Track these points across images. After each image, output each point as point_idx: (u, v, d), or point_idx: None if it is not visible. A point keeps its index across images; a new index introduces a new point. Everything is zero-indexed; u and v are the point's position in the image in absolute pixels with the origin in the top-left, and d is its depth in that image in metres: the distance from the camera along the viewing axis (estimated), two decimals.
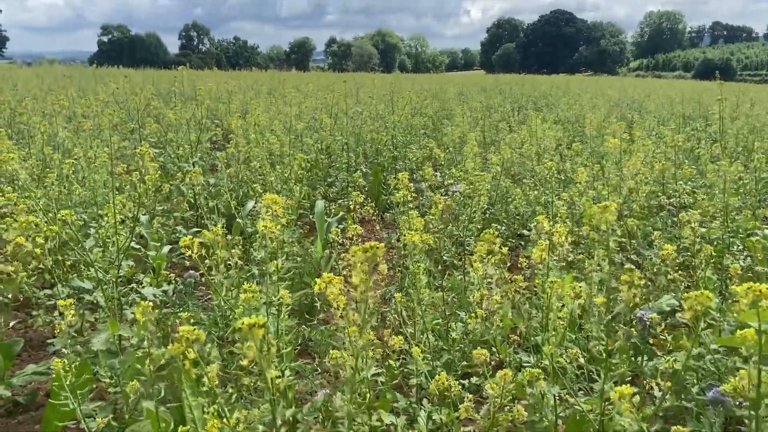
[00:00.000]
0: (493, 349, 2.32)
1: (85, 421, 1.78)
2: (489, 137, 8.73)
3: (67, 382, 1.73)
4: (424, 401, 2.32)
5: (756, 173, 4.54)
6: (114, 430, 2.40)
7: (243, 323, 1.07)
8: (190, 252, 1.68)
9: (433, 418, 2.21)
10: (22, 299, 4.07)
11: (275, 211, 1.74)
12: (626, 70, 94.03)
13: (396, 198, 2.36)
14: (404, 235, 2.24)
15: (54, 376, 2.64)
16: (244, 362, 1.08)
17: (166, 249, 3.85)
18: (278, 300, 1.74)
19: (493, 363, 2.57)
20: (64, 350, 1.96)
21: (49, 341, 3.35)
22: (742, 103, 11.27)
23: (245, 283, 1.99)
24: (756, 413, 1.33)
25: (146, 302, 1.65)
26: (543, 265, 2.02)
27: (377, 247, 1.26)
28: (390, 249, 4.47)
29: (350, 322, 1.26)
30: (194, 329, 1.11)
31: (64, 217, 2.16)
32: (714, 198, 4.33)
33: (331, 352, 1.77)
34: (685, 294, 1.30)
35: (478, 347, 2.07)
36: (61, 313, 1.87)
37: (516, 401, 2.17)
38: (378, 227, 4.68)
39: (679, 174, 5.18)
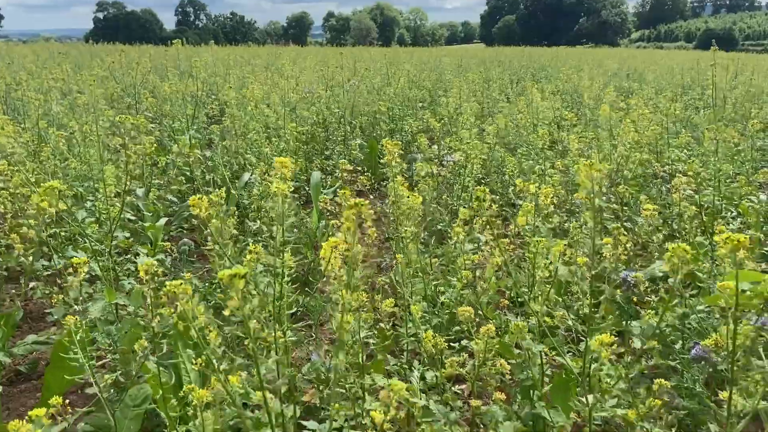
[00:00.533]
0: (480, 312, 2.36)
1: (94, 378, 1.82)
2: (486, 109, 8.69)
3: (78, 338, 1.76)
4: (415, 363, 2.37)
5: (751, 139, 4.54)
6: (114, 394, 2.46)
7: (224, 274, 1.10)
8: (198, 211, 1.69)
9: (426, 378, 2.26)
10: (20, 271, 4.11)
11: (284, 174, 1.75)
12: (628, 42, 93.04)
13: (390, 170, 2.38)
14: (392, 200, 2.26)
15: (55, 343, 2.70)
16: (226, 312, 1.12)
17: (162, 221, 3.87)
18: (282, 263, 1.77)
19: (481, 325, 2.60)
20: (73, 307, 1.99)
21: (47, 311, 3.41)
22: (741, 71, 11.18)
23: (242, 253, 2.02)
24: (732, 364, 1.37)
25: (149, 260, 1.66)
26: (529, 228, 2.04)
27: (362, 204, 1.28)
28: (383, 219, 4.50)
29: (339, 279, 1.29)
30: (180, 283, 1.15)
31: (54, 188, 2.17)
32: (709, 165, 4.33)
33: (331, 315, 1.81)
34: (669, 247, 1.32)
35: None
36: (75, 270, 1.90)
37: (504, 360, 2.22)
38: (372, 197, 4.70)
39: (675, 142, 5.17)
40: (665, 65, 16.92)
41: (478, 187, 1.80)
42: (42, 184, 2.20)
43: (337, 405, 1.72)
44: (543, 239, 1.85)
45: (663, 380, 1.42)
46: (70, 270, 1.92)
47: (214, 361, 1.23)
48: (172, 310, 1.29)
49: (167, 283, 1.15)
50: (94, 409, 2.32)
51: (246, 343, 1.37)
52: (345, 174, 3.31)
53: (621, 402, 1.44)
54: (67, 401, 1.61)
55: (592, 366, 1.35)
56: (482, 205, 1.67)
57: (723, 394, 1.28)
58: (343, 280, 1.27)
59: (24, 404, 2.97)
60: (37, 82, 7.28)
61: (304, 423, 1.59)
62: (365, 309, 1.94)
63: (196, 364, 1.62)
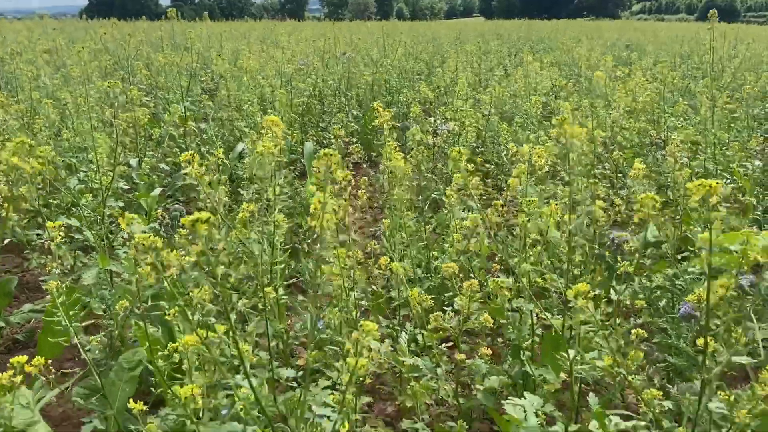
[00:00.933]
0: (471, 275, 2.37)
1: (78, 339, 1.84)
2: (484, 81, 8.62)
3: (60, 300, 1.77)
4: (406, 324, 2.39)
5: (747, 106, 4.51)
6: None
7: (187, 219, 1.11)
8: (190, 168, 1.68)
9: (417, 338, 2.28)
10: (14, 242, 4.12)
11: (275, 133, 1.74)
12: (629, 14, 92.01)
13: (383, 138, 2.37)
14: (384, 164, 2.25)
15: (47, 309, 2.71)
16: (192, 258, 1.14)
17: (156, 191, 3.87)
18: (274, 221, 1.77)
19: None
20: (55, 271, 2.00)
21: (42, 279, 3.42)
22: (741, 41, 11.06)
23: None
24: (707, 314, 1.37)
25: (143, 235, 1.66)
26: (521, 190, 2.04)
27: (332, 154, 1.28)
28: (379, 191, 4.49)
29: (323, 226, 1.30)
30: (149, 236, 1.16)
31: (24, 143, 2.16)
32: (705, 132, 4.31)
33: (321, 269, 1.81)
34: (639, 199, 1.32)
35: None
36: (51, 239, 1.90)
37: (496, 324, 2.23)
38: (365, 166, 4.70)
39: (672, 111, 5.14)
40: (665, 36, 16.75)
41: (453, 148, 1.79)
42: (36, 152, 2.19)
43: (313, 353, 1.74)
44: (535, 199, 1.85)
45: (640, 330, 1.43)
46: (51, 233, 1.92)
47: (197, 315, 1.24)
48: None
49: (136, 236, 1.15)
50: (90, 375, 2.36)
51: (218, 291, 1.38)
52: (339, 142, 3.29)
53: (602, 355, 1.45)
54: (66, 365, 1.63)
55: (575, 319, 1.36)
56: (458, 165, 1.67)
57: (700, 341, 1.29)
58: (326, 225, 1.28)
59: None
60: (31, 55, 7.21)
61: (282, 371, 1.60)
62: (358, 267, 1.95)
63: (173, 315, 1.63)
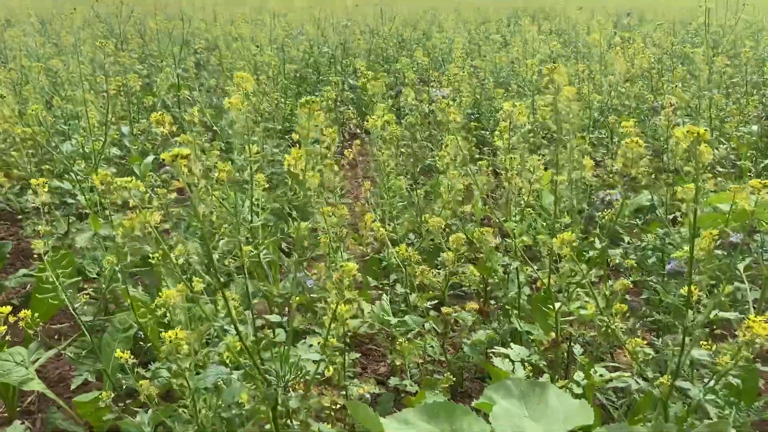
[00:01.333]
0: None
1: (66, 296, 1.85)
2: (482, 48, 8.53)
3: (46, 258, 1.78)
4: (397, 286, 2.40)
5: (745, 68, 4.48)
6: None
7: (166, 155, 1.11)
8: (162, 128, 1.67)
9: (407, 299, 2.29)
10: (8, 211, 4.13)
11: (245, 89, 1.73)
12: None
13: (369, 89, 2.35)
14: (371, 120, 2.23)
15: (38, 271, 2.73)
16: (171, 195, 1.15)
17: (150, 158, 3.86)
18: (251, 175, 1.77)
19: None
20: (38, 227, 2.00)
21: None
22: (741, 9, 10.91)
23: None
24: (690, 262, 1.37)
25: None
26: (506, 148, 2.03)
27: (314, 101, 1.27)
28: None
29: (301, 178, 1.29)
30: (131, 179, 1.16)
31: (35, 112, 2.16)
32: (702, 97, 4.28)
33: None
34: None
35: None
36: (35, 192, 1.90)
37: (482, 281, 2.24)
38: (359, 131, 4.67)
39: (670, 77, 5.09)
40: (667, 4, 16.53)
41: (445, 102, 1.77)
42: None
43: (298, 298, 1.75)
44: (517, 156, 1.84)
45: (626, 281, 1.44)
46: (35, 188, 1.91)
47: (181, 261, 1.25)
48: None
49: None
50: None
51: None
52: (329, 103, 3.27)
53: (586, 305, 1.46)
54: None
55: (562, 270, 1.36)
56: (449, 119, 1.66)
57: (684, 289, 1.30)
58: (310, 180, 1.28)
59: (16, 334, 3.02)
60: (22, 26, 7.13)
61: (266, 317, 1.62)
62: (345, 227, 1.95)
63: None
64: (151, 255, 1.24)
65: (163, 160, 1.10)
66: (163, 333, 1.20)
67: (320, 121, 1.27)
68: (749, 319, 1.33)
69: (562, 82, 1.50)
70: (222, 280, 1.24)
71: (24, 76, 4.82)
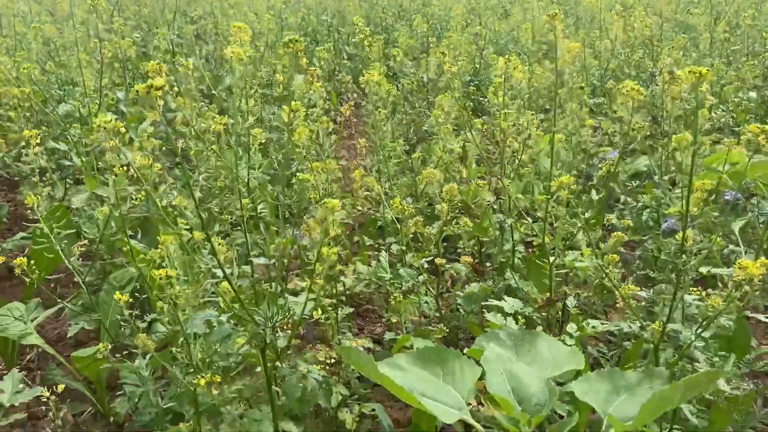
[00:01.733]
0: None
1: (64, 252, 1.86)
2: (483, 20, 8.42)
3: (40, 210, 1.78)
4: (393, 247, 2.40)
5: (746, 35, 4.44)
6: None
7: (140, 86, 1.11)
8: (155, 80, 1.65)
9: (403, 259, 2.30)
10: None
11: (242, 39, 1.73)
12: None
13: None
14: (366, 79, 2.21)
15: (35, 231, 2.74)
16: (149, 128, 1.15)
17: (146, 124, 3.84)
18: (247, 129, 1.76)
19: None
20: (34, 179, 2.00)
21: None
22: None
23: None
24: (685, 216, 1.37)
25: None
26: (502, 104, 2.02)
27: (297, 40, 1.27)
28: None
29: (292, 126, 1.29)
30: (111, 119, 1.16)
31: (27, 70, 2.14)
32: (702, 63, 4.25)
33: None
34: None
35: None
36: (27, 143, 1.90)
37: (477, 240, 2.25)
38: (356, 95, 4.64)
39: (670, 45, 5.05)
40: None
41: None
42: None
43: (285, 240, 1.76)
44: (512, 111, 1.83)
45: (620, 233, 1.44)
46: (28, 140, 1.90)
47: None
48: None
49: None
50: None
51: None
52: (323, 65, 3.23)
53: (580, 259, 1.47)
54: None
55: (557, 213, 1.37)
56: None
57: (679, 236, 1.30)
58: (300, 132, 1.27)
59: (15, 297, 3.04)
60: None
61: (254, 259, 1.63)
62: (337, 184, 1.95)
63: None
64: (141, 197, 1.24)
65: (138, 91, 1.09)
66: (155, 271, 1.21)
67: (302, 63, 1.26)
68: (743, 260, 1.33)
69: (560, 29, 1.49)
70: (204, 217, 1.25)
71: (18, 42, 4.78)
